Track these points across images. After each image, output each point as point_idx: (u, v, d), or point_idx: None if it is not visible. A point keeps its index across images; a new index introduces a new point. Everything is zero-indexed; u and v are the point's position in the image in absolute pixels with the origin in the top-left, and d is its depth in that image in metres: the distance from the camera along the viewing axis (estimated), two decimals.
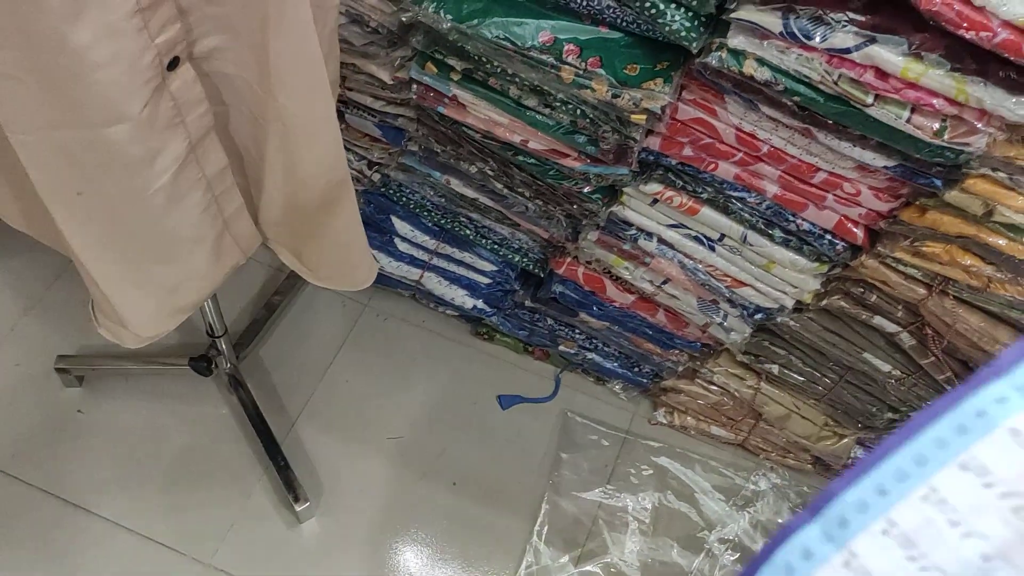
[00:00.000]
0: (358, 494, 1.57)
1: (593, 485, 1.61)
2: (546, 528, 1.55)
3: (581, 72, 1.07)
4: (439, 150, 1.36)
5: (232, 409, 1.61)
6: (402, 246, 1.63)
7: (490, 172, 1.35)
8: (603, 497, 1.60)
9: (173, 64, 0.83)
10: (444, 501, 1.58)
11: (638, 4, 0.99)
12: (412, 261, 1.64)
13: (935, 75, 0.91)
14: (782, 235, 1.22)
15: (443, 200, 1.50)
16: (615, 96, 1.07)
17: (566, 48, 1.06)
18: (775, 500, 1.59)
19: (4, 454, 1.52)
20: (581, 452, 1.64)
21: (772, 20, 0.95)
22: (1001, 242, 1.05)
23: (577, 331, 1.65)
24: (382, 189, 1.54)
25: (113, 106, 0.81)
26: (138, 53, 0.79)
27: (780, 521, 1.58)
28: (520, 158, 1.28)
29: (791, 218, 1.19)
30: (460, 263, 1.62)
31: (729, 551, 1.53)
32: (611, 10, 1.03)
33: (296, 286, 1.77)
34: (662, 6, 0.99)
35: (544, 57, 1.07)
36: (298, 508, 1.48)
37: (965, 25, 0.87)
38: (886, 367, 1.35)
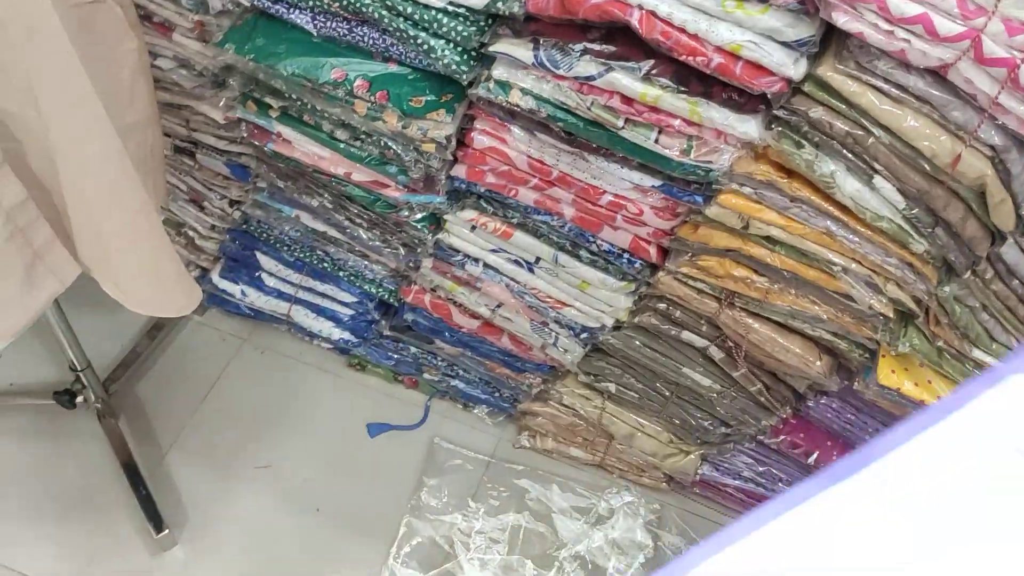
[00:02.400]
0: (224, 522, 1.61)
1: (453, 509, 1.65)
2: (404, 550, 1.59)
3: (372, 105, 1.15)
4: (282, 185, 1.44)
5: (100, 442, 1.65)
6: (269, 281, 1.70)
7: (328, 205, 1.43)
8: (462, 520, 1.64)
9: None
10: (308, 526, 1.62)
11: (412, 41, 1.08)
12: (280, 295, 1.71)
13: (668, 98, 1.00)
14: (588, 255, 1.30)
15: (299, 234, 1.57)
16: (404, 127, 1.15)
17: (357, 83, 1.14)
18: (625, 518, 1.64)
19: None
20: (444, 477, 1.69)
21: (524, 52, 1.03)
22: (764, 253, 1.13)
23: (439, 358, 1.71)
24: (243, 226, 1.61)
25: None
26: None
27: (632, 537, 1.62)
28: (349, 190, 1.35)
29: (592, 239, 1.27)
30: (323, 295, 1.69)
31: (579, 566, 1.58)
32: (394, 47, 1.12)
33: (173, 324, 1.83)
34: (432, 42, 1.07)
35: (337, 92, 1.15)
36: (156, 536, 1.52)
37: (683, 51, 0.95)
38: (706, 381, 1.41)
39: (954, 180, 0.95)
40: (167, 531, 1.53)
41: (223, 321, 1.88)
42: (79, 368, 1.55)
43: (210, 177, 1.54)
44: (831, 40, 0.95)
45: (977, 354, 1.10)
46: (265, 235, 1.62)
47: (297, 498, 1.65)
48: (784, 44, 0.93)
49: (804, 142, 1.00)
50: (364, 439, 1.76)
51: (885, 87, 0.92)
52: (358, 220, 1.44)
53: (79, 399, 1.60)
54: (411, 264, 1.48)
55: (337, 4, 1.08)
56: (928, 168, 0.95)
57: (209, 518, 1.61)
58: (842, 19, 0.87)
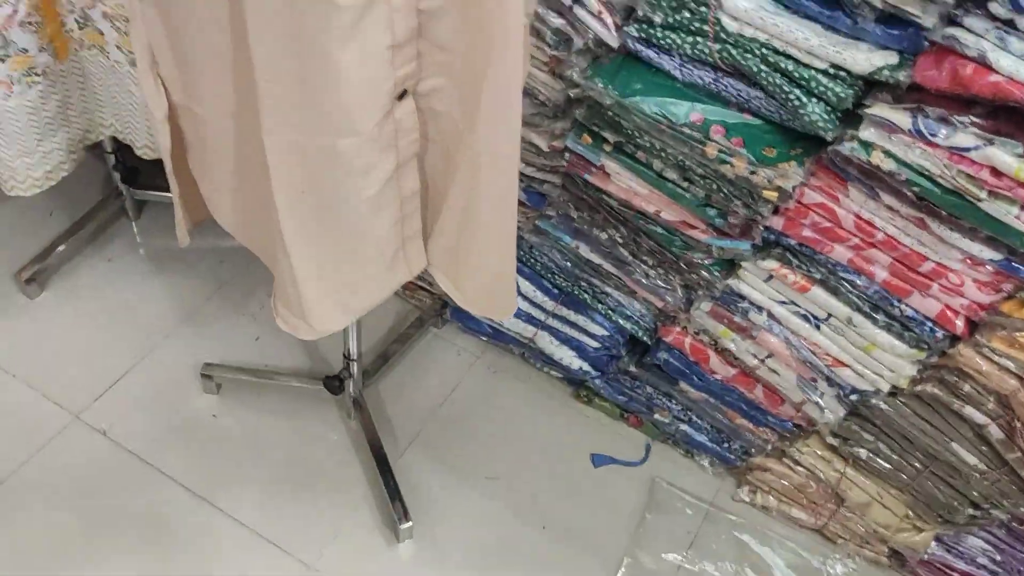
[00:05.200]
0: (454, 524, 1.68)
1: (674, 549, 1.69)
2: None
3: (724, 149, 1.23)
4: (575, 215, 1.53)
5: (349, 430, 1.75)
6: (522, 305, 1.79)
7: (619, 239, 1.51)
8: (683, 561, 1.68)
9: (401, 95, 1.02)
10: (533, 541, 1.68)
11: (782, 96, 1.16)
12: (529, 319, 1.80)
13: None
14: (886, 319, 1.34)
15: (568, 264, 1.66)
16: (752, 172, 1.23)
17: (713, 128, 1.23)
18: None
19: (144, 442, 1.69)
20: (665, 516, 1.73)
21: (902, 118, 1.10)
22: None
23: (674, 401, 1.77)
24: None
25: (351, 121, 0.99)
26: (382, 81, 0.98)
27: None
28: (651, 227, 1.44)
29: (896, 303, 1.31)
30: (574, 325, 1.77)
31: None
32: (757, 100, 1.20)
33: (416, 335, 1.93)
34: (804, 99, 1.15)
35: (693, 134, 1.24)
36: (401, 527, 1.60)
37: None
38: (972, 459, 1.43)
39: None
40: (410, 523, 1.61)
41: (459, 337, 1.98)
42: (353, 357, 1.65)
43: None
44: None
45: None
46: (532, 260, 1.71)
47: (524, 513, 1.72)
48: None
49: None
50: (587, 468, 1.82)
51: None
52: (644, 257, 1.52)
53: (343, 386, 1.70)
54: (683, 305, 1.55)
55: (718, 55, 1.17)
56: None
57: (438, 517, 1.69)
58: None
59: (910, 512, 1.61)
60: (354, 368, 1.68)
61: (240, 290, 1.95)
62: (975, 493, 1.48)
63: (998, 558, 1.58)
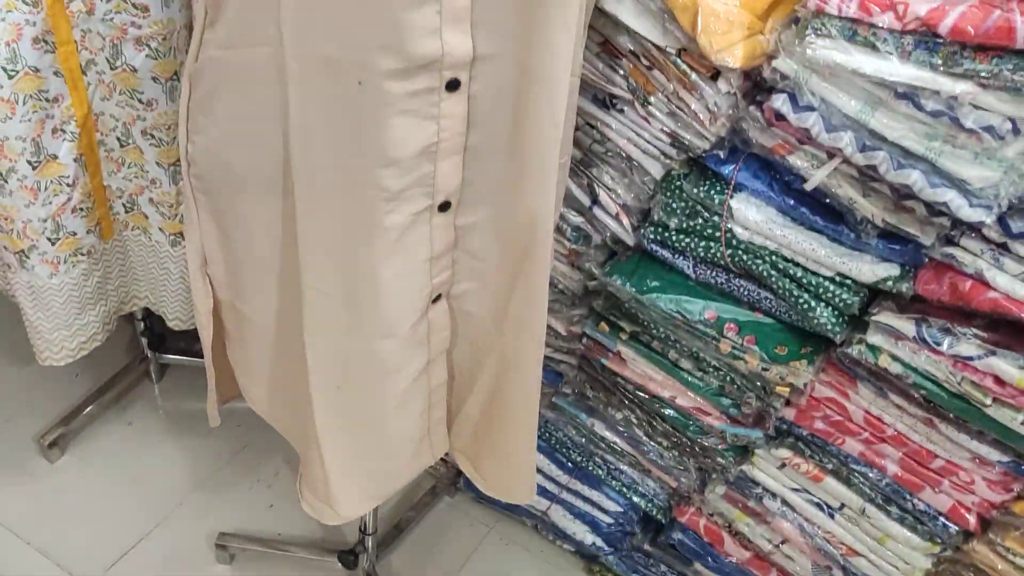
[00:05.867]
0: None
1: None
2: None
3: (738, 346, 1.29)
4: (591, 395, 1.58)
5: None
6: (536, 477, 1.80)
7: (634, 420, 1.55)
8: None
9: (436, 298, 1.09)
10: None
11: (792, 299, 1.23)
12: (543, 492, 1.81)
13: None
14: (899, 512, 1.36)
15: (583, 440, 1.69)
16: (764, 369, 1.28)
17: (727, 325, 1.29)
18: None
19: None
20: None
21: (907, 326, 1.16)
22: None
23: None
24: None
25: (390, 325, 1.05)
26: (420, 288, 1.05)
27: None
28: (666, 411, 1.48)
29: (908, 497, 1.33)
30: (587, 500, 1.78)
31: None
32: (768, 300, 1.27)
33: (430, 503, 1.94)
34: (813, 303, 1.22)
35: (708, 330, 1.30)
36: None
37: None
38: None
39: None
40: None
41: (472, 507, 1.98)
42: (369, 531, 1.66)
43: None
44: None
45: None
46: (548, 435, 1.74)
47: None
48: None
49: None
50: None
51: None
52: (659, 438, 1.55)
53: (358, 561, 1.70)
54: (697, 487, 1.57)
55: (730, 259, 1.25)
56: None
57: None
58: None
59: None
60: (369, 542, 1.68)
61: (257, 455, 1.97)
62: None
63: None
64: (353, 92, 0.85)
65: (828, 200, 1.14)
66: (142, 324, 1.94)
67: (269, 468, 1.95)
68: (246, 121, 0.94)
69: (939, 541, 1.35)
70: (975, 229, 1.07)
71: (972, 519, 1.30)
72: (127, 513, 1.83)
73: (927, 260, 1.14)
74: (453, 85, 0.87)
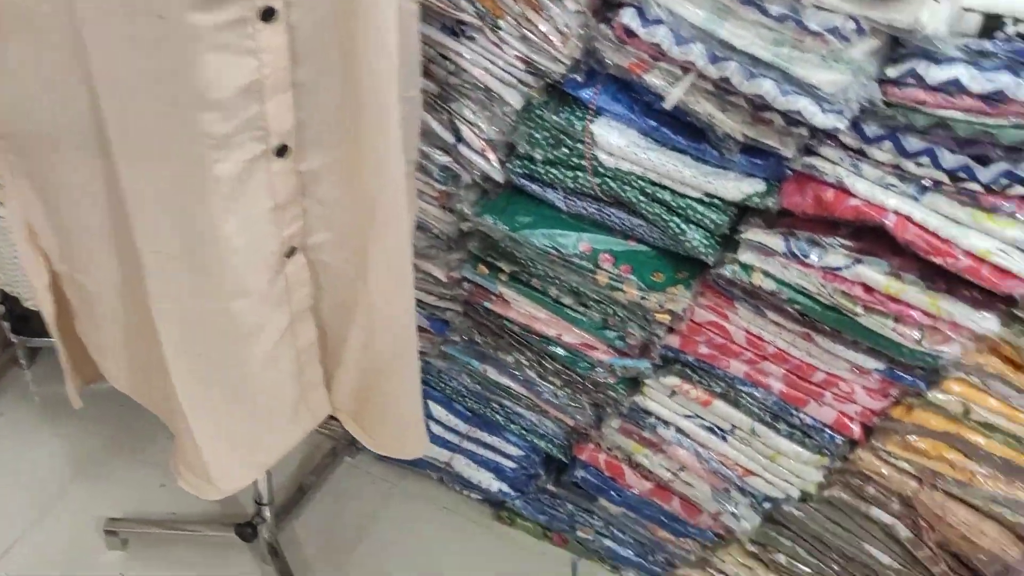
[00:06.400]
0: None
1: None
2: None
3: (615, 277, 1.26)
4: (480, 340, 1.54)
5: None
6: (435, 428, 1.77)
7: (525, 362, 1.52)
8: None
9: (291, 252, 1.02)
10: None
11: (663, 224, 1.20)
12: (444, 444, 1.78)
13: (912, 292, 1.10)
14: (787, 428, 1.37)
15: (478, 387, 1.66)
16: (643, 298, 1.26)
17: (602, 256, 1.26)
18: None
19: None
20: None
21: (776, 241, 1.15)
22: (979, 440, 1.20)
23: (595, 517, 1.75)
24: (422, 375, 1.70)
25: (241, 283, 0.98)
26: (267, 242, 0.98)
27: None
28: (554, 349, 1.45)
29: (794, 413, 1.34)
30: (489, 447, 1.75)
31: None
32: (641, 228, 1.24)
33: (330, 465, 1.89)
34: (684, 226, 1.19)
35: (583, 263, 1.27)
36: None
37: (932, 253, 1.06)
38: (885, 559, 1.45)
39: None
40: None
41: (374, 465, 1.94)
42: (264, 502, 1.60)
43: None
44: None
45: None
46: (442, 385, 1.71)
47: None
48: None
49: None
50: None
51: None
52: (551, 378, 1.52)
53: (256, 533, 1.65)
54: (594, 423, 1.56)
55: (598, 188, 1.21)
56: None
57: None
58: None
59: None
60: (266, 512, 1.63)
61: (141, 435, 1.88)
62: None
63: None
64: (156, 29, 0.77)
65: (689, 119, 1.11)
66: (2, 307, 1.82)
67: (155, 447, 1.87)
68: (43, 70, 0.85)
69: (827, 453, 1.37)
70: (833, 137, 1.06)
71: (856, 428, 1.32)
72: (8, 507, 1.73)
73: (790, 173, 1.12)
74: (268, 14, 0.80)
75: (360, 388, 1.22)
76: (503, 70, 1.18)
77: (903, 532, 1.39)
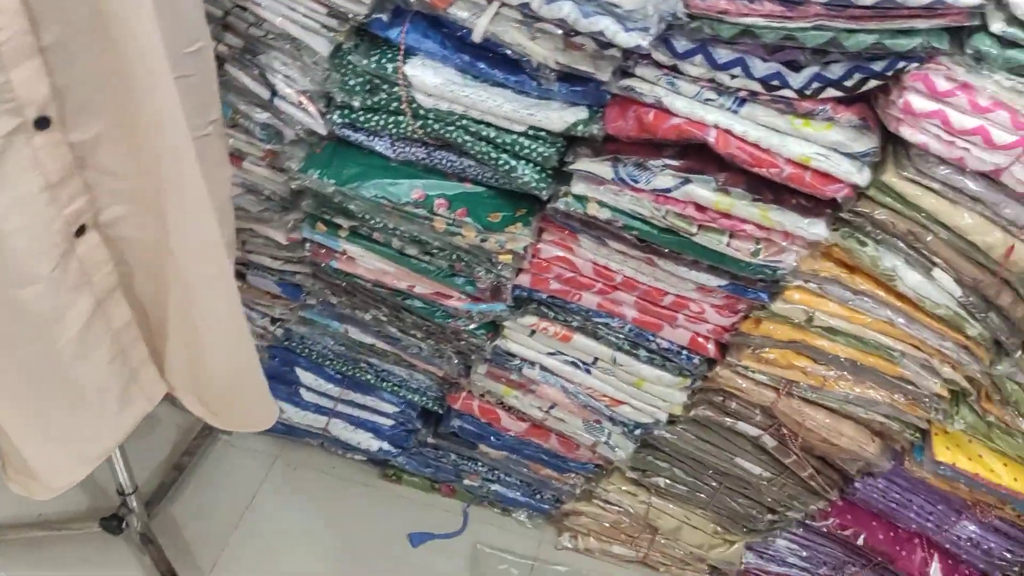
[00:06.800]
0: None
1: None
2: None
3: (451, 222, 1.22)
4: (335, 301, 1.49)
5: (145, 569, 1.62)
6: (308, 396, 1.72)
7: (383, 318, 1.47)
8: None
9: (81, 231, 0.95)
10: None
11: (492, 162, 1.16)
12: (318, 409, 1.73)
13: (741, 206, 1.09)
14: (646, 354, 1.36)
15: (343, 348, 1.61)
16: (483, 240, 1.22)
17: (436, 202, 1.21)
18: None
19: None
20: None
21: (604, 169, 1.12)
22: (825, 344, 1.21)
23: (479, 463, 1.74)
24: (285, 343, 1.65)
25: (25, 269, 0.91)
26: (47, 223, 0.91)
27: None
28: (409, 302, 1.41)
29: (651, 338, 1.34)
30: (364, 407, 1.71)
31: None
32: (472, 168, 1.20)
33: (205, 443, 1.83)
34: (513, 163, 1.16)
35: (418, 211, 1.22)
36: None
37: (756, 164, 1.05)
38: (757, 470, 1.47)
39: (1006, 269, 1.06)
40: None
41: (252, 438, 1.88)
42: (127, 492, 1.53)
43: (255, 296, 1.58)
44: (888, 147, 1.06)
45: None
46: (307, 351, 1.65)
47: None
48: (849, 155, 1.03)
49: (867, 240, 1.10)
50: (406, 550, 1.76)
51: (943, 189, 1.02)
52: (412, 331, 1.48)
53: (124, 524, 1.58)
54: (462, 371, 1.53)
55: (422, 131, 1.16)
56: (983, 259, 1.06)
57: None
58: (908, 132, 0.98)
59: (717, 528, 1.64)
60: (133, 502, 1.56)
61: None
62: (768, 500, 1.53)
63: (804, 554, 1.64)
64: None
65: (504, 50, 1.07)
66: None
67: None
68: None
69: (688, 374, 1.37)
70: (646, 56, 1.03)
71: (711, 347, 1.32)
72: None
73: (610, 97, 1.09)
74: None
75: (192, 362, 1.16)
76: (305, 16, 1.11)
77: (769, 442, 1.41)
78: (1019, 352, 1.13)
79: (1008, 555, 1.46)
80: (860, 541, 1.51)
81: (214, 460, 1.83)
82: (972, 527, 1.44)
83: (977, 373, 1.18)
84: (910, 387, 1.22)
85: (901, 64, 0.96)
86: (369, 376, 1.65)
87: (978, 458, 1.27)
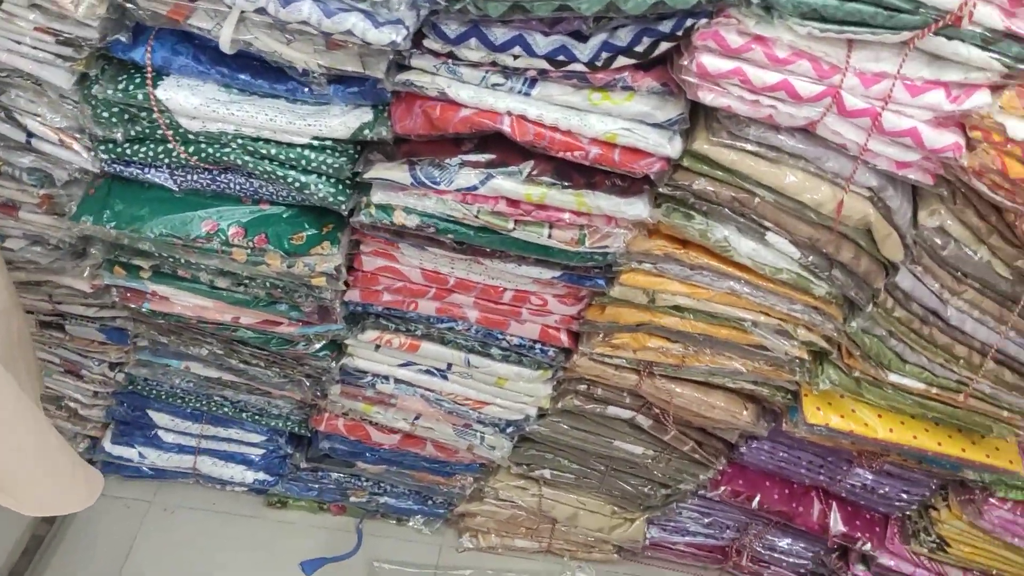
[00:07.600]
0: None
1: None
2: None
3: (251, 251, 1.10)
4: (165, 340, 1.36)
5: None
6: (168, 437, 1.60)
7: (219, 351, 1.35)
8: None
9: None
10: None
11: (280, 180, 1.04)
12: (182, 449, 1.61)
13: (553, 194, 0.99)
14: (500, 352, 1.27)
15: (191, 384, 1.49)
16: (290, 266, 1.11)
17: (231, 231, 1.09)
18: None
19: None
20: None
21: (401, 174, 1.01)
22: (674, 322, 1.13)
23: (363, 479, 1.64)
24: (130, 387, 1.52)
25: None
26: None
27: None
28: (240, 333, 1.29)
29: (500, 336, 1.25)
30: (229, 440, 1.60)
31: None
32: (264, 188, 1.08)
33: None
34: (303, 178, 1.04)
35: (211, 244, 1.09)
36: None
37: (560, 148, 0.95)
38: (639, 449, 1.40)
39: (841, 224, 0.98)
40: None
41: (124, 487, 1.75)
42: None
43: (84, 345, 1.44)
44: (699, 114, 0.97)
45: (894, 378, 1.13)
46: (155, 392, 1.52)
47: None
48: (656, 126, 0.94)
49: (693, 213, 1.01)
50: None
51: (760, 150, 0.94)
52: (254, 361, 1.37)
53: None
54: (318, 393, 1.42)
55: (196, 158, 1.03)
56: (815, 217, 0.98)
57: None
58: (708, 96, 0.89)
59: (615, 508, 1.58)
60: None
61: None
62: (658, 476, 1.47)
63: (706, 521, 1.59)
64: None
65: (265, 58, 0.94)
66: None
67: None
68: None
69: (547, 366, 1.29)
70: (419, 45, 0.91)
71: (563, 336, 1.24)
72: None
73: (393, 95, 0.98)
74: None
75: None
76: (33, 48, 0.97)
77: (644, 422, 1.34)
78: (870, 306, 1.07)
79: (904, 495, 1.42)
80: (755, 504, 1.46)
81: (82, 519, 1.70)
82: (866, 474, 1.39)
83: (833, 332, 1.11)
84: (769, 353, 1.15)
85: (690, 21, 0.86)
86: (227, 408, 1.53)
87: (851, 413, 1.21)
